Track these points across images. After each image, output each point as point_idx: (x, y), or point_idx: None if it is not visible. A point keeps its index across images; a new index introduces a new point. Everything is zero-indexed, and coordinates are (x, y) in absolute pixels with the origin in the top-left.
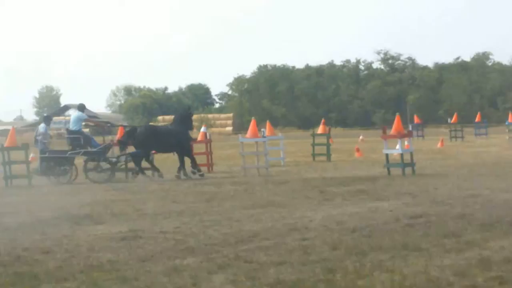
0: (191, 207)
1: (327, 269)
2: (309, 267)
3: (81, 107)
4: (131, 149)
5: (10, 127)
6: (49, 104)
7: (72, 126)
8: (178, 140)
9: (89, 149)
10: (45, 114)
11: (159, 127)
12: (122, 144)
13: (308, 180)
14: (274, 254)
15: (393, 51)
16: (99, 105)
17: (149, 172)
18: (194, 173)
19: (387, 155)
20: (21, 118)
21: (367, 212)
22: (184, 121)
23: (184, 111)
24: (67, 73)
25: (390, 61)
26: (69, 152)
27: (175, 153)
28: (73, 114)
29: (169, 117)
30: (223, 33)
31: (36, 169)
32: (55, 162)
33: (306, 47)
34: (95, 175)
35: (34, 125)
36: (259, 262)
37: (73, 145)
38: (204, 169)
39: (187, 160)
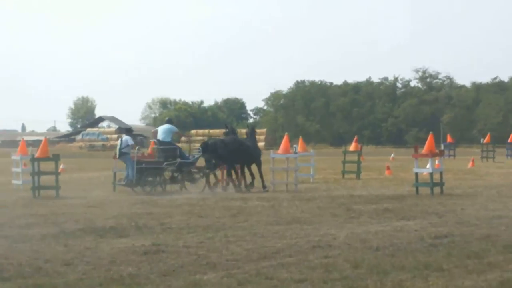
0: (216, 222)
1: (347, 287)
2: (329, 285)
3: (170, 121)
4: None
5: (43, 138)
6: (84, 116)
7: (163, 138)
8: (257, 154)
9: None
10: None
11: (243, 140)
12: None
13: (336, 198)
14: (296, 271)
15: (431, 70)
16: (133, 118)
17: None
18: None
19: (416, 174)
20: (54, 129)
21: (392, 231)
22: (254, 135)
23: (252, 128)
24: (103, 85)
25: (427, 80)
26: (165, 163)
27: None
28: (161, 126)
29: (202, 131)
30: (261, 48)
31: (125, 179)
32: (149, 173)
33: (345, 63)
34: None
35: (68, 136)
36: (280, 279)
37: (167, 156)
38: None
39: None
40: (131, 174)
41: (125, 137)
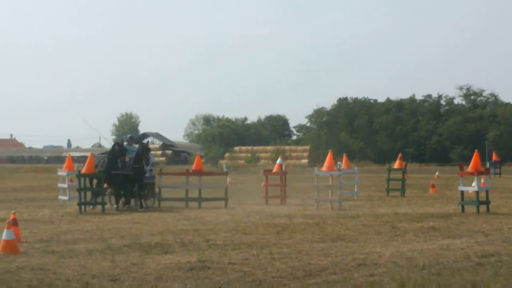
0: (261, 239)
1: None
2: None
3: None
4: None
5: (88, 154)
6: (128, 132)
7: None
8: None
9: None
10: None
11: None
12: None
13: (380, 215)
14: None
15: (475, 87)
16: (177, 134)
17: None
18: None
19: (462, 192)
20: (99, 145)
21: (437, 249)
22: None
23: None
24: (146, 101)
25: (472, 97)
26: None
27: None
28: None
29: (246, 148)
30: (305, 65)
31: None
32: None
33: (388, 80)
34: None
35: None
36: None
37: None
38: (277, 201)
39: None
40: None
41: None
